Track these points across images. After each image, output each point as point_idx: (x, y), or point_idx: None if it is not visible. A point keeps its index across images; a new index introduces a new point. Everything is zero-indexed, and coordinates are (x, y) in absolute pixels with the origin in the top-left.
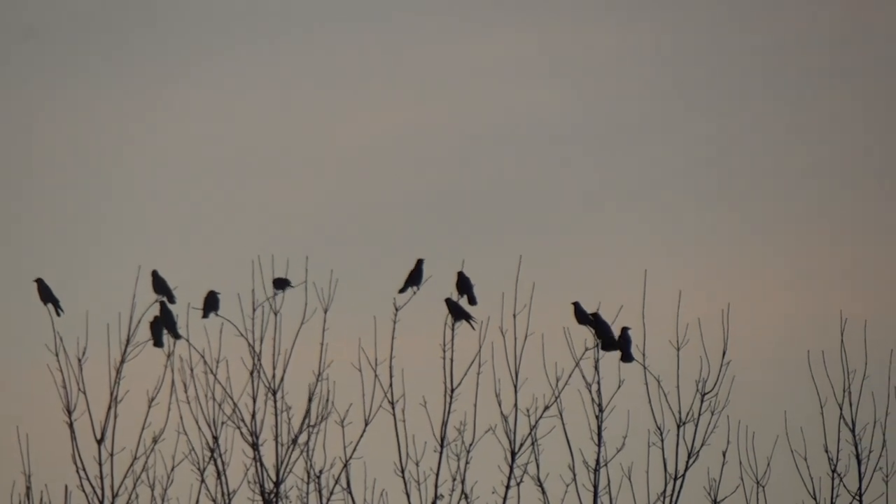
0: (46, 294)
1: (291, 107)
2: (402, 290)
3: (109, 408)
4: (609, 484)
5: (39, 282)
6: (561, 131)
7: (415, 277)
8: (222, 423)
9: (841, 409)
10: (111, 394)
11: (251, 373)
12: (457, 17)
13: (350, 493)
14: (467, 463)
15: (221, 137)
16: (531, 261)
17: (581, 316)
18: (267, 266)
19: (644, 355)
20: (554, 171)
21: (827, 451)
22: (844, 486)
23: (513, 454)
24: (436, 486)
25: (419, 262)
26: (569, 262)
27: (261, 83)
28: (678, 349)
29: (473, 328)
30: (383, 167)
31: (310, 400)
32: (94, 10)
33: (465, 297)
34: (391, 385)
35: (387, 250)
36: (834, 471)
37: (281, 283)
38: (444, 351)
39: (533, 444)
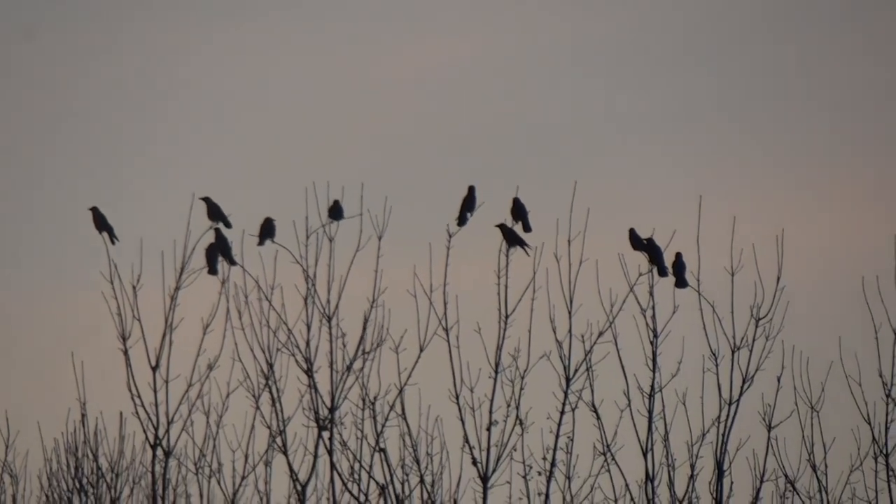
0: (101, 222)
1: (347, 37)
2: (460, 222)
3: (164, 335)
4: (664, 409)
5: (94, 210)
6: (616, 59)
7: (468, 204)
8: (277, 349)
9: (895, 334)
10: (166, 321)
11: (305, 299)
12: None
13: (405, 419)
14: (522, 389)
15: (276, 68)
16: (586, 187)
17: (636, 241)
18: (322, 193)
19: (698, 281)
20: (607, 97)
21: (881, 377)
22: None
23: (567, 380)
24: (490, 413)
25: (471, 189)
26: (623, 189)
27: (317, 14)
28: (732, 275)
29: (528, 254)
30: (437, 95)
31: (364, 326)
32: None
33: (520, 223)
34: (445, 312)
35: (441, 177)
36: (888, 395)
37: (336, 212)
38: (499, 277)
39: (587, 369)
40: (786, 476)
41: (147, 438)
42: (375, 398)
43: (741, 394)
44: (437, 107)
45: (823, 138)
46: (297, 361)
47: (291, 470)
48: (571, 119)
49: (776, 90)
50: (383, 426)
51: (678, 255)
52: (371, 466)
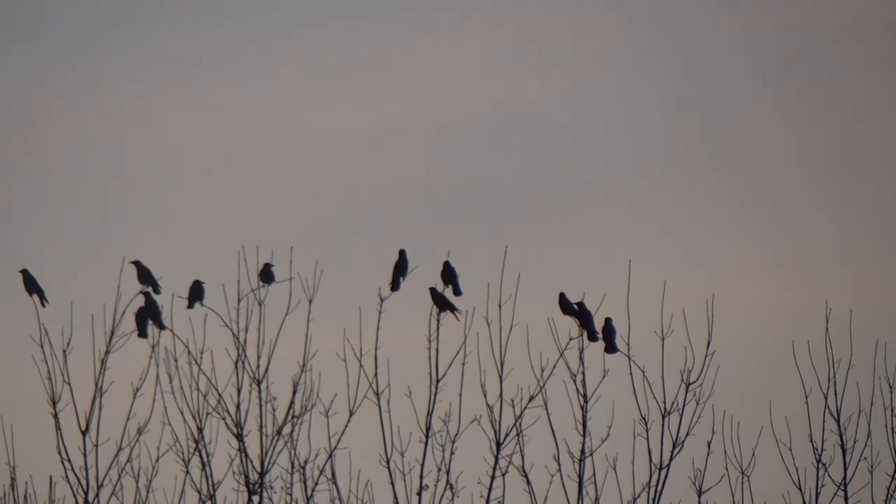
0: (31, 285)
1: (275, 99)
2: (393, 287)
3: (94, 399)
4: (594, 474)
5: (24, 272)
6: (546, 122)
7: (400, 268)
8: (207, 413)
9: (826, 399)
10: (96, 385)
11: (236, 363)
12: (440, 9)
13: (335, 483)
14: (452, 453)
15: (206, 129)
16: (517, 251)
17: (566, 306)
18: (252, 257)
19: (629, 346)
20: (539, 163)
21: (812, 442)
22: (829, 476)
23: (498, 444)
24: (421, 477)
25: (402, 253)
26: (554, 253)
27: (245, 75)
28: (663, 339)
29: (458, 319)
30: (368, 159)
31: (294, 391)
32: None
33: (451, 287)
34: (376, 375)
35: (371, 241)
36: (819, 461)
37: (266, 276)
38: (430, 341)
39: (518, 434)
40: None
41: (77, 503)
42: (305, 462)
43: (671, 458)
44: (368, 169)
45: (755, 202)
46: (227, 425)
47: None
48: (503, 182)
49: (707, 154)
50: (313, 490)
51: (608, 320)
52: None
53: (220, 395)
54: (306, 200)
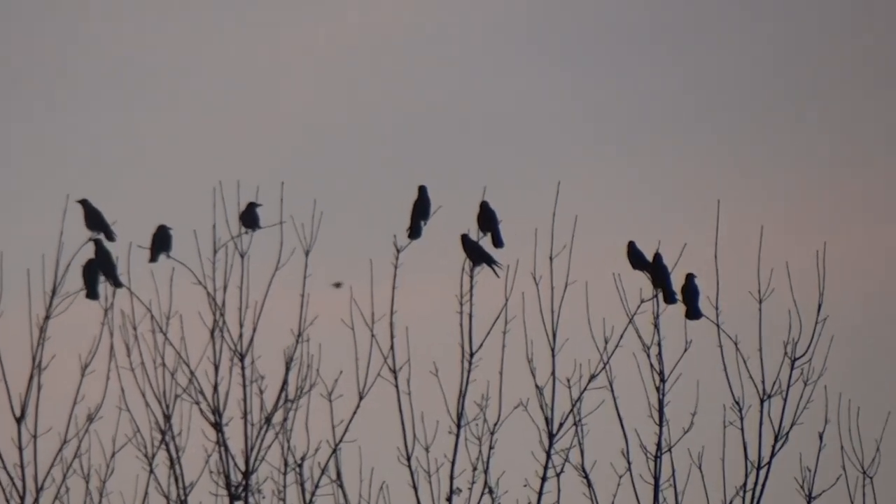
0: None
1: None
2: (412, 234)
3: (31, 377)
4: (674, 474)
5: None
6: (617, 38)
7: (420, 209)
8: (176, 396)
9: None
10: (33, 359)
11: (212, 332)
12: None
13: (341, 485)
14: (491, 448)
15: (171, 36)
16: (572, 188)
17: (636, 258)
18: (231, 194)
19: (717, 309)
20: (601, 78)
21: None
22: None
23: (550, 436)
24: (451, 478)
25: (422, 190)
26: (620, 191)
27: None
28: (760, 302)
29: (498, 275)
30: (377, 71)
31: (287, 367)
32: None
33: (489, 234)
34: (392, 348)
35: (384, 175)
36: None
37: (250, 219)
38: (461, 304)
39: (576, 423)
40: None
41: None
42: (303, 459)
43: (773, 454)
44: (378, 85)
45: (876, 130)
46: (201, 411)
47: None
48: (553, 102)
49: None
50: (313, 494)
51: (689, 277)
52: None
53: (192, 373)
54: (299, 123)
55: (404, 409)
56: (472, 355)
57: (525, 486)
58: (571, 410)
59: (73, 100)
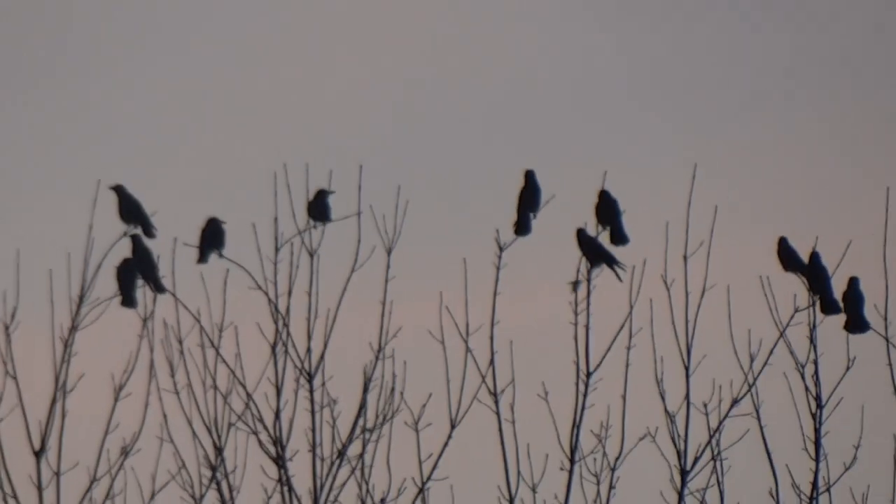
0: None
1: None
2: (520, 229)
3: (54, 401)
4: None
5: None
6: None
7: (529, 198)
8: (230, 425)
9: None
10: (56, 380)
11: (273, 347)
12: None
13: None
14: (612, 487)
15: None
16: (710, 172)
17: (789, 259)
18: (297, 180)
19: (886, 321)
20: (741, 44)
21: None
22: None
23: (683, 473)
24: None
25: (530, 177)
26: (769, 176)
27: None
28: None
29: (620, 279)
30: (471, 39)
31: (365, 389)
32: None
33: (609, 229)
34: (492, 366)
35: (483, 156)
36: None
37: (320, 210)
38: (576, 314)
39: (714, 457)
40: None
41: None
42: (383, 500)
43: None
44: (471, 56)
45: None
46: (260, 443)
47: None
48: (682, 71)
49: None
50: None
51: (853, 281)
52: None
53: (249, 397)
54: (380, 92)
55: (506, 440)
56: (588, 375)
57: None
58: (709, 442)
59: (106, 66)
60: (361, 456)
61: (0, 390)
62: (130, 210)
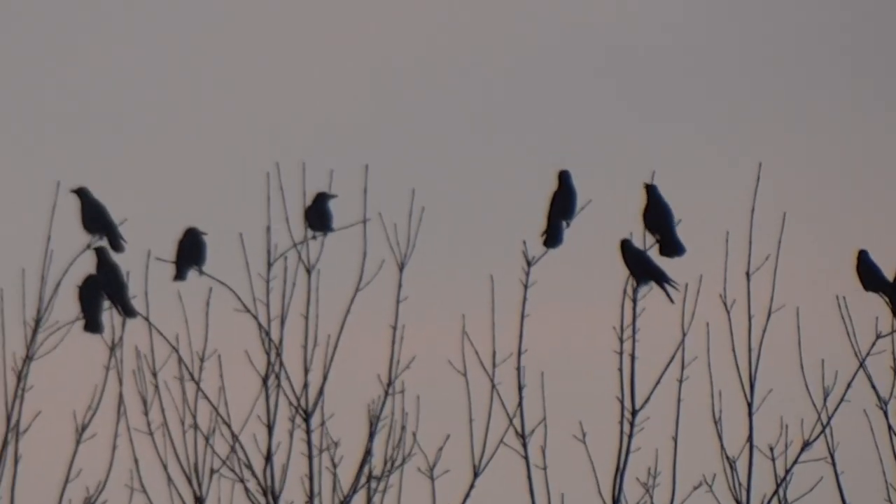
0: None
1: None
2: (550, 240)
3: (5, 443)
4: None
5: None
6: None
7: (563, 203)
8: (213, 471)
9: None
10: (8, 419)
11: (265, 380)
12: None
13: None
14: None
15: None
16: (777, 174)
17: (870, 276)
18: (292, 182)
19: None
20: (812, 34)
21: None
22: None
23: None
24: None
25: (564, 178)
26: (846, 179)
27: None
28: None
29: (672, 299)
30: (498, 22)
31: (372, 429)
32: None
33: (659, 238)
34: (521, 403)
35: (508, 155)
36: None
37: (319, 217)
38: (620, 341)
39: None
40: None
41: None
42: None
43: None
44: (499, 30)
45: None
46: (248, 492)
47: None
48: (740, 60)
49: None
50: None
51: None
52: None
53: (235, 438)
54: (389, 80)
55: (537, 489)
56: (634, 413)
57: None
58: (775, 492)
59: (70, 54)
60: None
61: None
62: (95, 217)
